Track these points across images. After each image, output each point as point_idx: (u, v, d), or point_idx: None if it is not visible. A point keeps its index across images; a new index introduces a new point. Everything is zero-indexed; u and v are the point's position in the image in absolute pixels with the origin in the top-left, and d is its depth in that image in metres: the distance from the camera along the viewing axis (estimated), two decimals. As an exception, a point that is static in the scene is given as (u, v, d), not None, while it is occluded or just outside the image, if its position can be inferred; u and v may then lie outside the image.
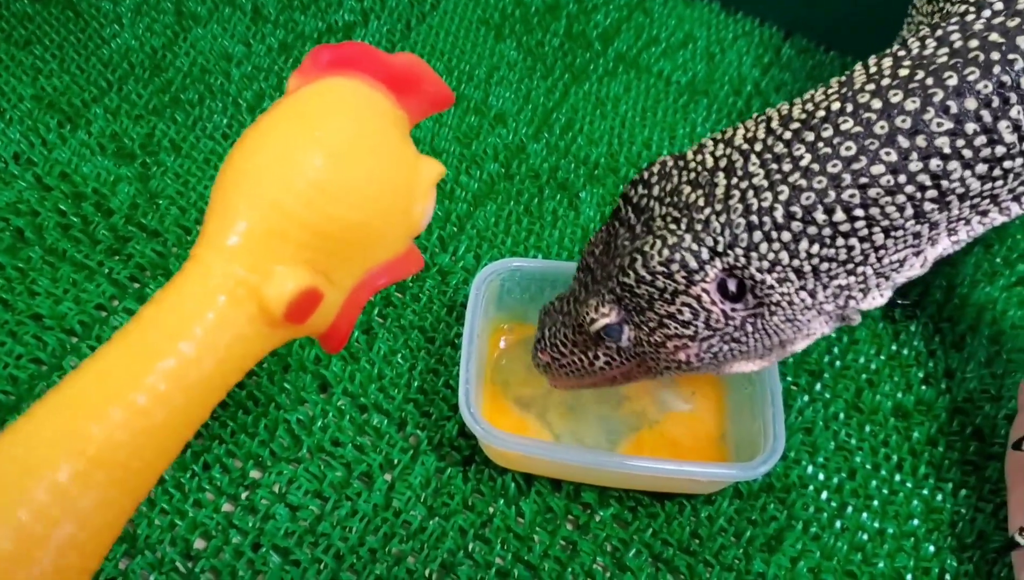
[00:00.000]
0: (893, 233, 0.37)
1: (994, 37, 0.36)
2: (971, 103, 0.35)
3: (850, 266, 0.38)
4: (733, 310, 0.40)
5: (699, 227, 0.39)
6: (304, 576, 0.47)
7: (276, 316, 0.28)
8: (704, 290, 0.39)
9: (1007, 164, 0.36)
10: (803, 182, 0.37)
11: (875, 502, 0.52)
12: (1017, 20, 0.36)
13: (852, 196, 0.36)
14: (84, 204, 0.62)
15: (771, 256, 0.38)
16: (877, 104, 0.37)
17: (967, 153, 0.36)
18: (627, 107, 0.76)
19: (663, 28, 0.84)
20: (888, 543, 0.51)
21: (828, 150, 0.37)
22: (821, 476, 0.53)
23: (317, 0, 0.82)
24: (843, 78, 0.39)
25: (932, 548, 0.51)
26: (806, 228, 0.37)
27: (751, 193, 0.38)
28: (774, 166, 0.38)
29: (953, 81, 0.36)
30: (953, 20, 0.38)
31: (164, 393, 0.27)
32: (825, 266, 0.38)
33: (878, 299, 0.40)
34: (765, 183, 0.38)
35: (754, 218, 0.38)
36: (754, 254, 0.38)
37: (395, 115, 0.31)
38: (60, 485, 0.25)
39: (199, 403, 0.28)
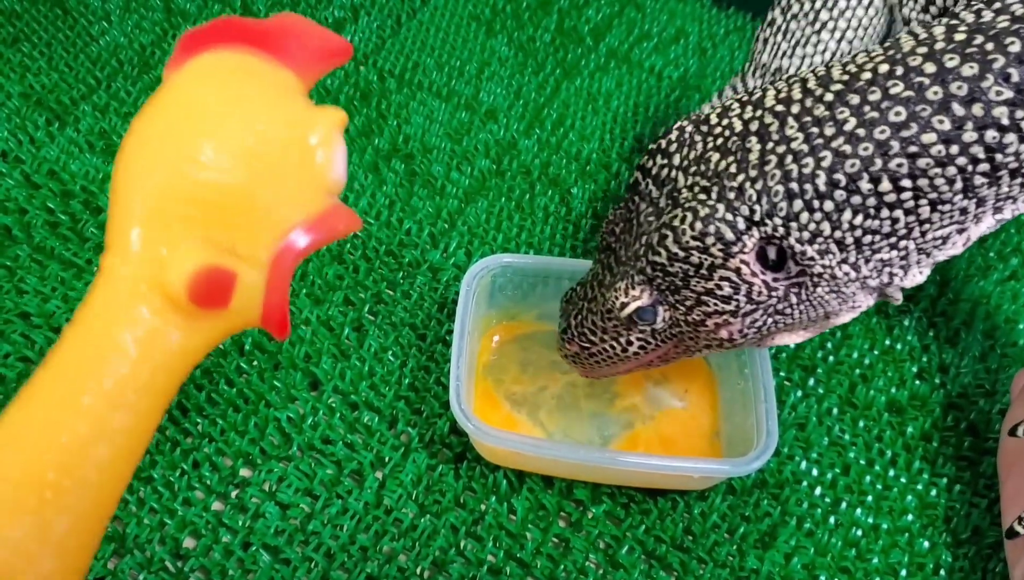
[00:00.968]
0: (940, 207, 0.35)
1: None
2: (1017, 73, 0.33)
3: (893, 240, 0.36)
4: (775, 280, 0.38)
5: (732, 196, 0.36)
6: (294, 575, 0.47)
7: (181, 301, 0.27)
8: (744, 262, 0.37)
9: None
10: (847, 148, 0.34)
11: (869, 497, 0.52)
12: None
13: (900, 165, 0.34)
14: (72, 202, 0.61)
15: (812, 226, 0.36)
16: (931, 68, 0.34)
17: None
18: (619, 102, 0.76)
19: (655, 23, 0.83)
20: (882, 538, 0.51)
21: (875, 114, 0.34)
22: (815, 472, 0.53)
23: (307, -4, 0.81)
24: (887, 43, 0.37)
25: (927, 543, 0.50)
26: (850, 197, 0.35)
27: (790, 158, 0.35)
28: (815, 130, 0.35)
29: (1016, 48, 0.33)
30: None
31: (100, 413, 0.27)
32: (868, 239, 0.36)
33: (918, 277, 0.38)
34: (805, 148, 0.35)
35: (794, 185, 0.35)
36: (794, 224, 0.36)
37: (276, 76, 0.29)
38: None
39: (144, 414, 0.28)
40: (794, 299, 0.38)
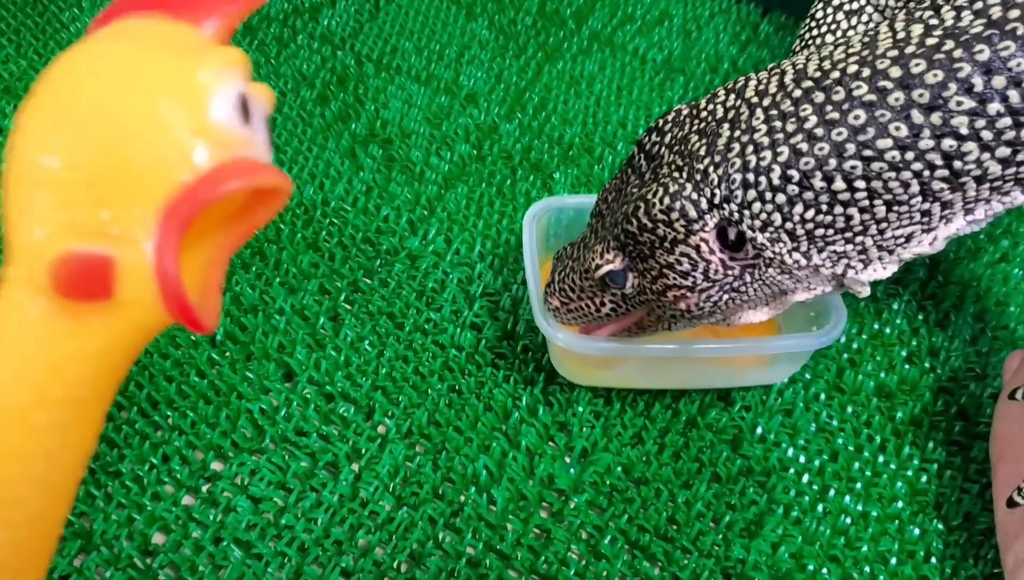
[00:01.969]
0: (896, 208, 0.35)
1: None
2: (999, 81, 0.32)
3: (848, 235, 0.37)
4: (732, 260, 0.39)
5: (699, 177, 0.38)
6: (267, 570, 0.45)
7: (51, 295, 0.24)
8: (703, 240, 0.38)
9: None
10: (804, 146, 0.35)
11: (858, 484, 0.51)
12: None
13: (854, 167, 0.34)
14: (40, 191, 0.60)
15: (763, 216, 0.37)
16: (896, 72, 0.34)
17: (987, 135, 0.33)
18: (602, 86, 0.74)
19: (638, 5, 0.82)
20: (872, 526, 0.49)
21: (836, 115, 0.35)
22: (802, 459, 0.52)
23: (283, -19, 0.80)
24: (867, 39, 0.37)
25: (917, 531, 0.49)
26: (802, 193, 0.36)
27: (750, 149, 0.36)
28: (778, 124, 0.36)
29: (984, 56, 0.33)
30: None
31: (21, 428, 0.25)
32: (821, 232, 0.37)
33: (880, 272, 0.39)
34: (766, 141, 0.36)
35: (750, 176, 0.36)
36: (747, 212, 0.37)
37: (164, 32, 0.25)
38: None
39: (69, 425, 0.25)
40: (749, 278, 0.40)
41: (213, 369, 0.52)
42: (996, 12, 0.33)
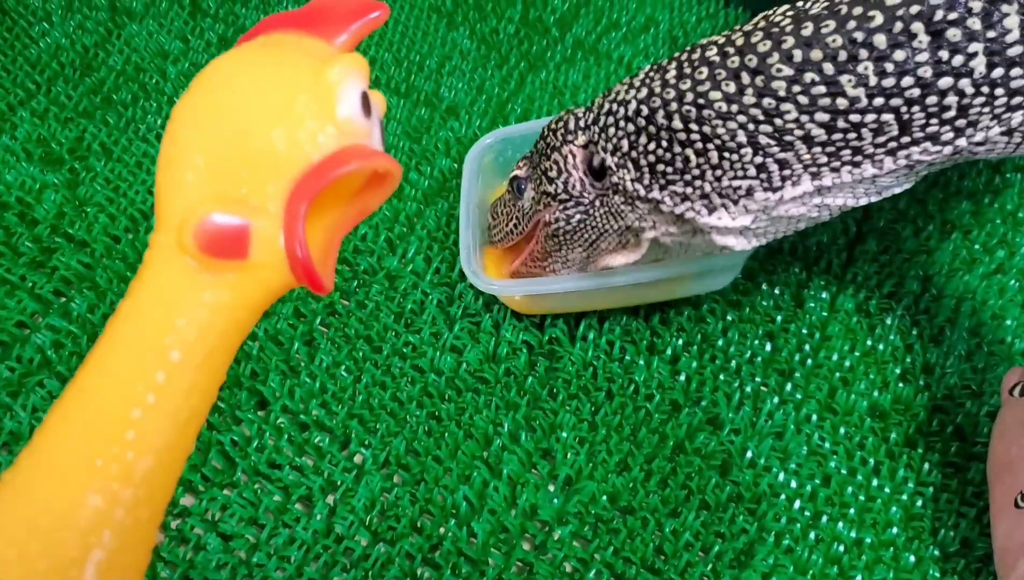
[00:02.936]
0: (728, 155, 0.40)
1: None
2: (816, 54, 0.37)
3: (688, 177, 0.42)
4: (592, 184, 0.46)
5: (590, 104, 0.47)
6: (237, 612, 0.43)
7: (194, 253, 0.28)
8: (571, 152, 0.46)
9: (853, 118, 0.37)
10: (658, 89, 0.42)
11: (851, 510, 0.49)
12: None
13: (689, 111, 0.40)
14: (7, 214, 0.58)
15: (614, 141, 0.44)
16: (740, 42, 0.40)
17: (803, 100, 0.38)
18: (586, 96, 0.72)
19: (623, 11, 0.80)
20: (866, 554, 0.48)
21: (688, 70, 0.41)
22: (793, 484, 0.50)
23: (260, -9, 0.78)
24: (764, 22, 0.42)
25: (913, 558, 0.48)
26: (647, 126, 0.42)
27: (625, 88, 0.44)
28: (653, 74, 0.43)
29: (807, 31, 0.38)
30: None
31: (158, 382, 0.28)
32: (661, 168, 0.43)
33: (727, 219, 0.43)
34: (637, 83, 0.43)
35: (614, 106, 0.44)
36: (603, 135, 0.44)
37: (300, 44, 0.31)
38: (97, 506, 0.26)
39: (201, 381, 0.29)
40: (599, 205, 0.47)
41: (183, 399, 0.51)
42: (842, 2, 0.38)
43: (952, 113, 0.37)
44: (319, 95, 0.29)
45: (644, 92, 0.42)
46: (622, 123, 0.43)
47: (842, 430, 0.52)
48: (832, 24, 0.37)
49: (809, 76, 0.37)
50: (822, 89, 0.37)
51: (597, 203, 0.47)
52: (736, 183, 0.41)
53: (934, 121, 0.38)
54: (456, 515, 0.47)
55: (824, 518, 0.49)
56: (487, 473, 0.49)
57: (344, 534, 0.46)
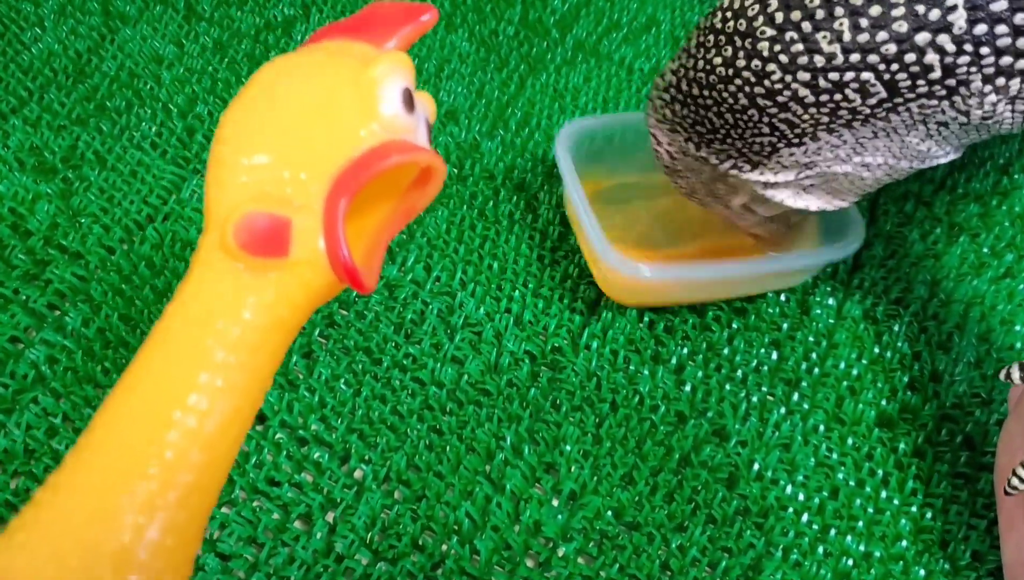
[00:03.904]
0: (739, 116, 0.43)
1: None
2: (796, 15, 0.39)
3: (720, 136, 0.45)
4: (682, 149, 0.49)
5: (671, 63, 0.48)
6: (236, 635, 0.43)
7: (235, 252, 0.28)
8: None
9: (833, 76, 0.39)
10: (688, 63, 0.44)
11: (860, 523, 0.48)
12: None
13: (699, 78, 0.43)
14: (0, 226, 0.57)
15: (664, 112, 0.47)
16: (737, 5, 0.42)
17: (784, 58, 0.40)
18: (587, 98, 0.71)
19: (624, 12, 0.79)
20: (875, 568, 0.47)
21: (701, 39, 0.43)
22: (801, 496, 0.49)
23: (255, -6, 0.77)
24: None
25: (923, 572, 0.47)
26: (677, 95, 0.46)
27: (686, 55, 0.45)
28: (683, 46, 0.46)
29: None
30: None
31: (219, 388, 0.28)
32: (697, 128, 0.46)
33: (768, 175, 0.46)
34: (675, 57, 0.47)
35: (668, 75, 0.47)
36: (669, 106, 0.47)
37: (349, 48, 0.31)
38: (150, 491, 0.26)
39: (245, 380, 0.28)
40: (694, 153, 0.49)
41: (180, 415, 0.50)
42: None
43: (937, 74, 0.38)
44: (362, 92, 0.29)
45: (676, 63, 0.46)
46: (665, 94, 0.47)
47: (850, 441, 0.51)
48: None
49: (789, 35, 0.39)
50: (800, 47, 0.39)
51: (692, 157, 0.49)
52: (759, 140, 0.44)
53: (921, 82, 0.38)
54: (458, 532, 0.47)
55: (832, 531, 0.48)
56: (490, 488, 0.48)
57: (344, 553, 0.46)
